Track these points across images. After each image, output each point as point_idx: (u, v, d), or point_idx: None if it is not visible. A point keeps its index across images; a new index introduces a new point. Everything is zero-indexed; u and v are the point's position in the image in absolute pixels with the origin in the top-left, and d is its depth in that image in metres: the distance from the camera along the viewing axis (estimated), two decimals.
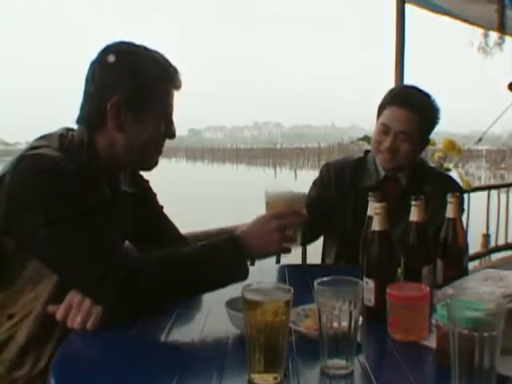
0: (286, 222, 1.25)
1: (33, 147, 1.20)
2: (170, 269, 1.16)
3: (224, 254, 1.20)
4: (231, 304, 1.10)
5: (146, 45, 1.31)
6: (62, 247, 1.12)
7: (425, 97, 1.79)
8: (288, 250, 1.30)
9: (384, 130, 1.73)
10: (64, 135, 1.27)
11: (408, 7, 4.02)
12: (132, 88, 1.24)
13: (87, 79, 1.28)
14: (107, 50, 1.28)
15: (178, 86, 1.33)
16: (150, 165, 1.36)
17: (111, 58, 1.26)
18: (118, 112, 1.25)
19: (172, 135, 1.35)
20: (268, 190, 1.30)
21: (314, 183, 1.93)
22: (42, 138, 1.26)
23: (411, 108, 1.71)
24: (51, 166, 1.15)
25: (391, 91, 1.80)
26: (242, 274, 1.22)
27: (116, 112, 1.24)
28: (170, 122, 1.34)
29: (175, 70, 1.32)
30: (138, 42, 1.32)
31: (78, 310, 1.12)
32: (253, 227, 1.25)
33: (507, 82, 4.54)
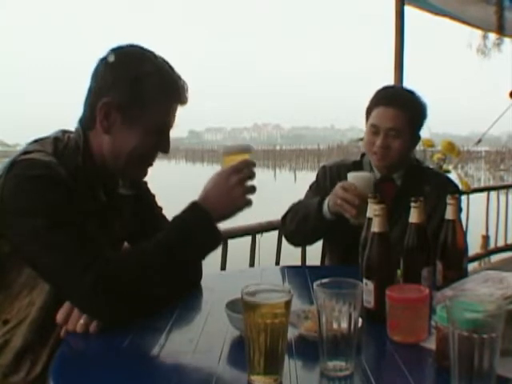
0: (246, 175, 1.23)
1: (25, 152, 1.18)
2: (147, 260, 1.14)
3: (193, 227, 1.18)
4: (231, 305, 1.10)
5: (160, 53, 1.27)
6: (46, 253, 1.10)
7: (410, 94, 1.83)
8: (251, 203, 1.26)
9: (374, 130, 1.76)
10: (59, 138, 1.26)
11: (407, 9, 4.02)
12: (128, 93, 1.22)
13: (92, 75, 1.27)
14: (115, 50, 1.26)
15: (182, 102, 1.30)
16: (136, 176, 1.34)
17: (115, 59, 1.24)
18: (108, 113, 1.22)
19: (165, 150, 1.31)
20: (225, 146, 1.30)
21: (311, 186, 1.95)
22: (36, 141, 1.25)
23: (398, 105, 1.74)
24: (42, 171, 1.13)
25: (376, 94, 1.82)
26: (216, 241, 1.22)
27: (105, 113, 1.22)
28: (165, 136, 1.30)
29: (182, 85, 1.28)
30: (146, 45, 1.28)
31: (80, 313, 1.11)
32: (213, 187, 1.23)
33: (509, 91, 4.53)
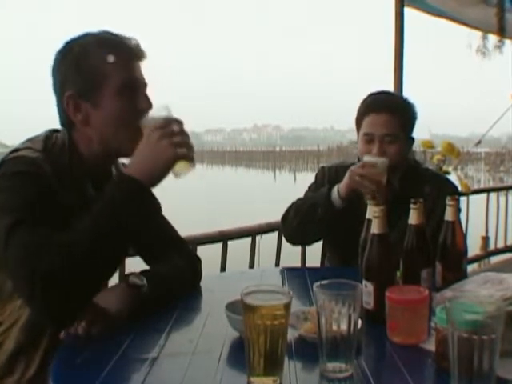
0: (171, 129, 1.13)
1: (14, 150, 1.20)
2: (84, 254, 1.05)
3: (123, 200, 1.09)
4: (231, 307, 1.10)
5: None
6: (11, 249, 1.06)
7: (397, 97, 1.87)
8: (184, 155, 1.13)
9: (368, 139, 1.75)
10: (49, 137, 1.26)
11: (407, 10, 4.03)
12: (78, 77, 1.22)
13: (52, 89, 1.28)
14: (57, 51, 1.27)
15: (138, 57, 1.27)
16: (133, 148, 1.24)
17: (58, 56, 1.26)
18: (76, 106, 1.23)
19: (144, 106, 1.25)
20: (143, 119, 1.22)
21: (310, 187, 1.95)
22: (28, 140, 1.26)
23: (389, 110, 1.74)
24: (25, 167, 1.14)
25: (364, 102, 1.81)
26: (150, 206, 1.14)
27: (74, 106, 1.23)
28: (138, 93, 1.26)
29: (129, 42, 1.26)
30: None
31: (82, 315, 1.10)
32: (138, 153, 1.14)
33: (511, 92, 4.53)
